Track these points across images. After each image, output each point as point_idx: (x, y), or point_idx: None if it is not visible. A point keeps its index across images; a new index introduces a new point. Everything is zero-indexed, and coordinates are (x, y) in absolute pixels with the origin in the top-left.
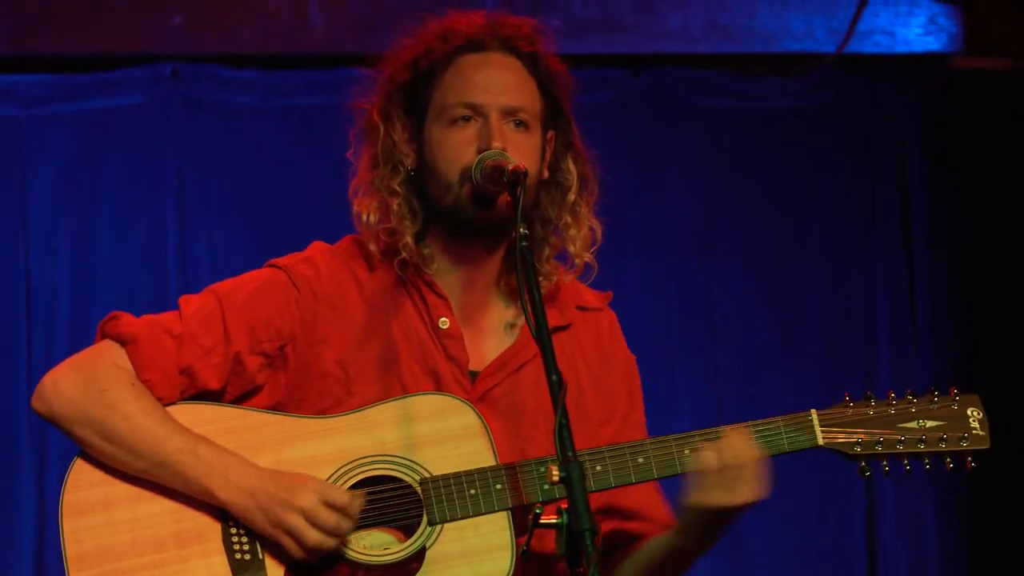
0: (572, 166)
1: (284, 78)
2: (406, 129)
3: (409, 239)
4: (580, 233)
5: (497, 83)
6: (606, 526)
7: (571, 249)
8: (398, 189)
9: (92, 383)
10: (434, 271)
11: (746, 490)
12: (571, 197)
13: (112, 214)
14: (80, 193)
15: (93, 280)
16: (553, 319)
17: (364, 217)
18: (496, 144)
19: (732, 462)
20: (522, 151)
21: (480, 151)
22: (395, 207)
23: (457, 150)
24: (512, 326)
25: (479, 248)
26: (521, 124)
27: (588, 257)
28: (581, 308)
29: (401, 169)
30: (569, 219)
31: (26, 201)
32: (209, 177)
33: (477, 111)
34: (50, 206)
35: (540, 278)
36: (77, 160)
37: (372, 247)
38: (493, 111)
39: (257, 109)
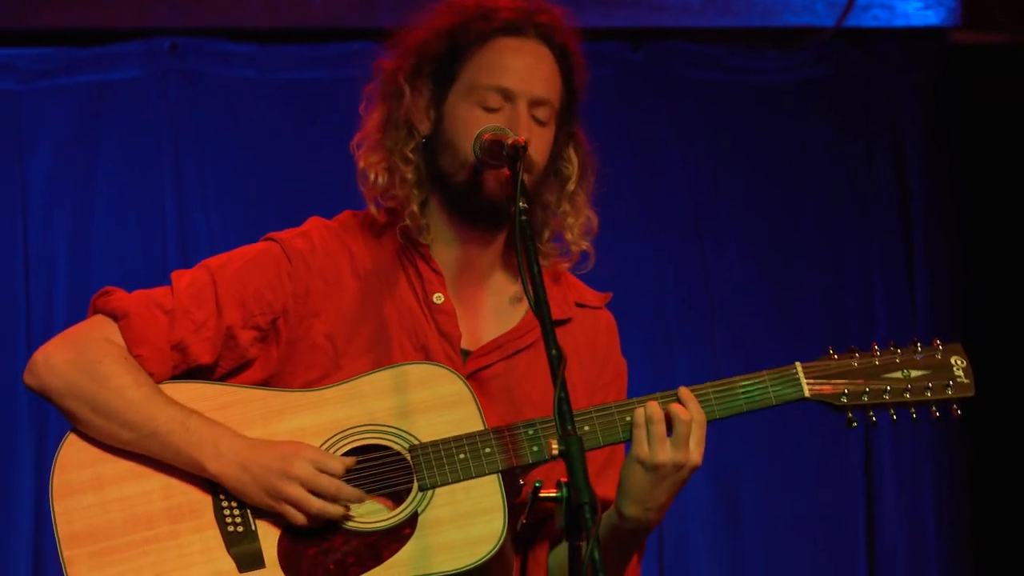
0: (574, 156)
1: (283, 52)
2: (426, 96)
3: (415, 207)
4: (578, 222)
5: (530, 71)
6: None
7: (568, 237)
8: (411, 156)
9: (84, 356)
10: (431, 241)
11: (683, 451)
12: (571, 187)
13: (111, 188)
14: (78, 168)
15: (91, 255)
16: (554, 312)
17: (371, 177)
18: (523, 135)
19: (676, 420)
20: (540, 144)
21: None
22: (408, 175)
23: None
24: (514, 309)
25: (482, 226)
26: (540, 120)
27: (585, 245)
28: (580, 305)
29: (415, 135)
30: (568, 207)
31: (24, 175)
32: (207, 151)
33: (506, 96)
34: (48, 180)
35: (540, 258)
36: (75, 134)
37: (373, 210)
38: (521, 100)
39: (256, 83)
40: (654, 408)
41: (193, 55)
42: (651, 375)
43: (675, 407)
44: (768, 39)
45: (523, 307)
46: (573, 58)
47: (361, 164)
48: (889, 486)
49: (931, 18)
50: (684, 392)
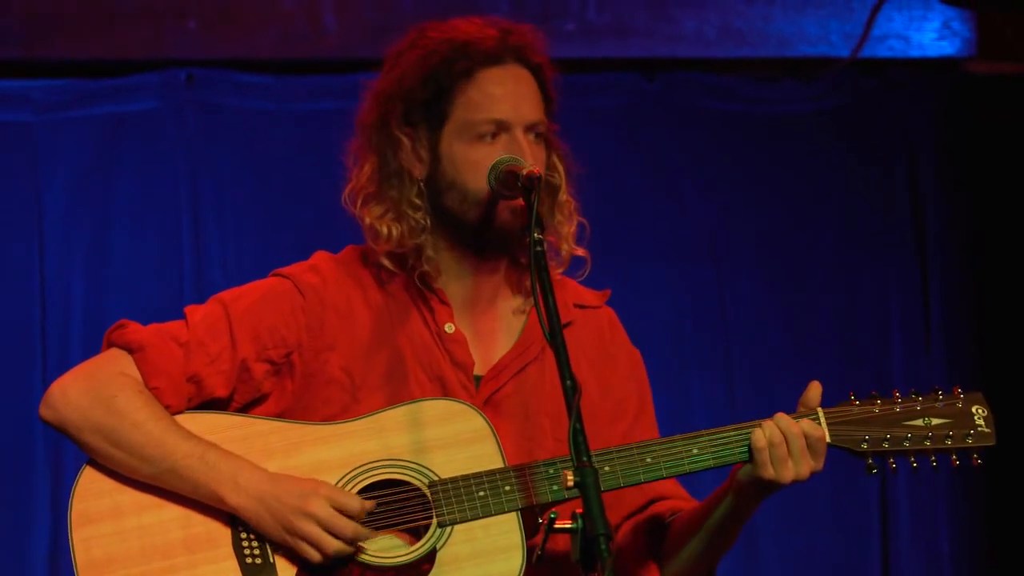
0: (559, 164)
1: (299, 83)
2: (418, 140)
3: (431, 252)
4: (571, 230)
5: (518, 98)
6: (643, 515)
7: (564, 247)
8: (419, 202)
9: (100, 390)
10: (442, 281)
11: (789, 469)
12: (562, 197)
13: (127, 220)
14: (94, 199)
15: (107, 286)
16: None
17: (384, 231)
18: (530, 162)
19: (776, 440)
20: (540, 163)
21: None
22: (421, 221)
23: (485, 167)
24: (516, 325)
25: (490, 257)
26: (539, 136)
27: (581, 251)
28: (580, 306)
29: (413, 181)
30: (560, 216)
31: (41, 207)
32: (224, 182)
33: (501, 127)
34: (64, 212)
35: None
36: (91, 166)
37: (385, 261)
38: (518, 127)
39: (272, 114)
40: (772, 430)
41: (209, 86)
42: (665, 400)
43: (787, 424)
44: (783, 70)
45: (522, 320)
46: (547, 71)
47: (367, 220)
48: (904, 523)
49: (946, 48)
50: (780, 416)
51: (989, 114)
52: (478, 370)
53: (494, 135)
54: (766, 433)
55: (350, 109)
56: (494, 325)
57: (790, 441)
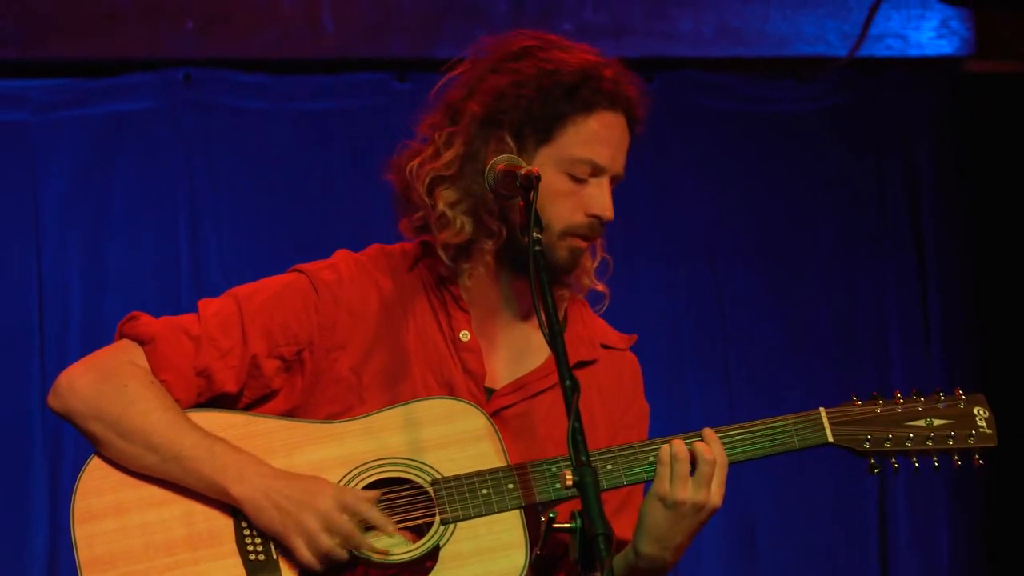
0: None
1: (296, 83)
2: (518, 150)
3: (490, 258)
4: (594, 264)
5: (618, 149)
6: None
7: (585, 281)
8: (496, 209)
9: (109, 379)
10: (466, 287)
11: (704, 492)
12: None
13: (124, 219)
14: (92, 198)
15: (105, 285)
16: (580, 353)
17: (457, 224)
18: (608, 215)
19: (700, 459)
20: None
21: (587, 215)
22: (489, 225)
23: (569, 208)
24: (539, 348)
25: (525, 279)
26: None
27: (600, 286)
28: (605, 347)
29: (488, 181)
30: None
31: (38, 206)
32: (220, 182)
33: (595, 170)
34: (62, 211)
35: (565, 290)
36: (89, 165)
37: (441, 253)
38: (607, 176)
39: (269, 114)
40: (679, 446)
41: (206, 86)
42: (663, 398)
43: (700, 446)
44: (780, 69)
45: (547, 347)
46: (638, 128)
47: (440, 205)
48: (903, 521)
49: (945, 48)
50: (709, 433)
51: (987, 113)
52: (489, 382)
53: (585, 178)
54: (672, 449)
55: (348, 109)
56: (511, 340)
57: (698, 464)
